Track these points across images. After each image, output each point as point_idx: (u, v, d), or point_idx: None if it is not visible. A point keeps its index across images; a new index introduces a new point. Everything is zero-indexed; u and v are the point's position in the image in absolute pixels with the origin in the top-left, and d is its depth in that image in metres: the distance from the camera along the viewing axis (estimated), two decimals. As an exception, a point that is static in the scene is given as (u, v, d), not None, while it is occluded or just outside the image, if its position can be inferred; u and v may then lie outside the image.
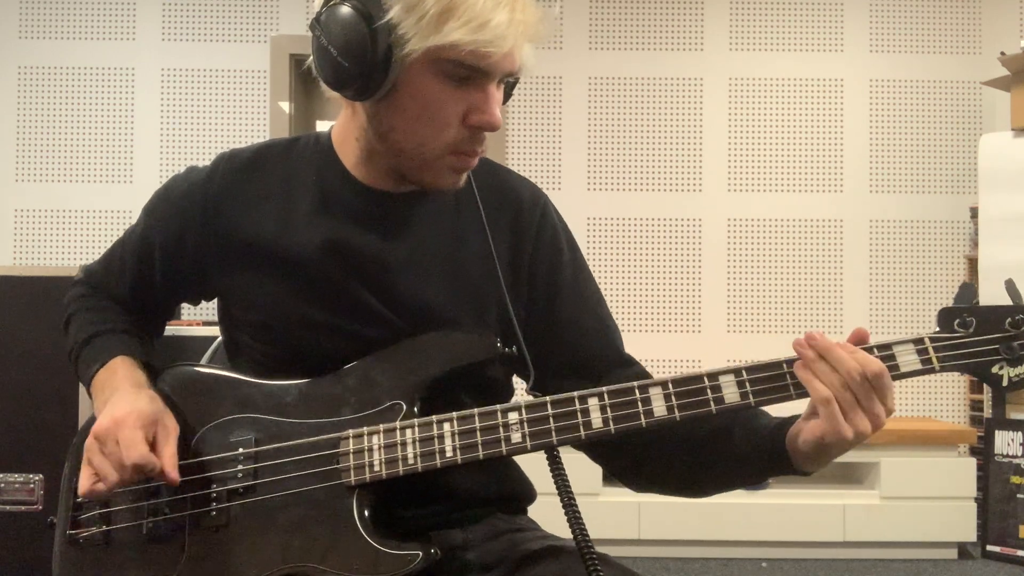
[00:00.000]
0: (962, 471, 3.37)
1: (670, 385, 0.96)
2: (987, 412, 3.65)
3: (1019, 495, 3.31)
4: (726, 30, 3.97)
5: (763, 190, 3.95)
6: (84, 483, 0.99)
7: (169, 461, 1.00)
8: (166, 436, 1.02)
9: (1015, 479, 3.32)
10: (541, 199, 1.19)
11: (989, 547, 3.35)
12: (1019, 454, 3.33)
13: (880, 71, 3.96)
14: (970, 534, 3.36)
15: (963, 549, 3.42)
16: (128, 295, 1.20)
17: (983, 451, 3.43)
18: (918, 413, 3.89)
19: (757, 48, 3.98)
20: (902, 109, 3.96)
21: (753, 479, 1.05)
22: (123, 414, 0.99)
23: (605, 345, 1.15)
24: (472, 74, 0.98)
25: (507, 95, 1.07)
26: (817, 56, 3.97)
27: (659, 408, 0.96)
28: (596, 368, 1.12)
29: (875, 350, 0.95)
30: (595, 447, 1.10)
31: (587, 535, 0.96)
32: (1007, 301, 0.97)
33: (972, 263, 3.79)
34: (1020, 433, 3.34)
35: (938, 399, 3.89)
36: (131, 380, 1.08)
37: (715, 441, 1.04)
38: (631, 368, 1.14)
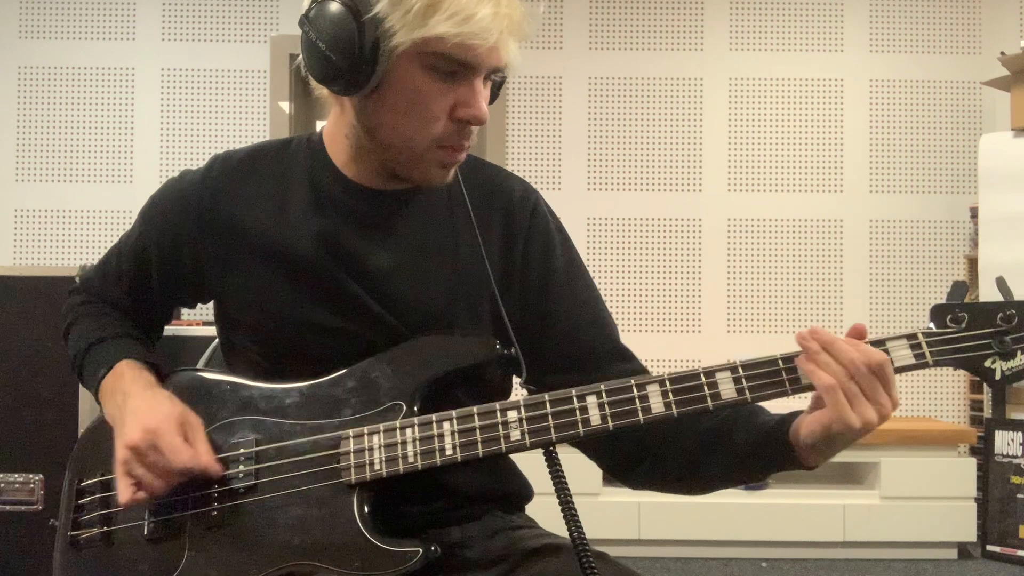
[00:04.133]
0: (962, 471, 3.37)
1: (667, 382, 0.97)
2: (987, 412, 3.65)
3: (1019, 495, 3.31)
4: (726, 30, 3.98)
5: (763, 190, 3.95)
6: (125, 493, 1.01)
7: (207, 457, 1.01)
8: (195, 432, 1.03)
9: (1015, 479, 3.33)
10: (532, 195, 1.19)
11: (989, 547, 3.36)
12: (1019, 454, 3.33)
13: (880, 71, 3.96)
14: (970, 534, 3.36)
15: (963, 549, 3.42)
16: (126, 300, 1.21)
17: (983, 451, 3.43)
18: (918, 413, 3.89)
19: (757, 48, 3.98)
20: (902, 109, 3.96)
21: (756, 475, 1.05)
22: (155, 423, 1.00)
23: (600, 337, 1.15)
24: (458, 68, 0.99)
25: (494, 94, 1.07)
26: (817, 56, 3.97)
27: (657, 405, 0.96)
28: (592, 361, 1.12)
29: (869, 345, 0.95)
30: (591, 444, 1.10)
31: (583, 533, 0.97)
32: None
33: (972, 263, 3.79)
34: (1020, 433, 3.34)
35: (938, 399, 3.90)
36: (141, 382, 1.09)
37: (716, 439, 1.04)
38: (628, 363, 1.14)
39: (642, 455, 1.09)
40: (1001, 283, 1.01)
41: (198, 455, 1.00)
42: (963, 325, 0.97)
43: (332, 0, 0.98)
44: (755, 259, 3.94)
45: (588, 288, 1.19)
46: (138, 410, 1.03)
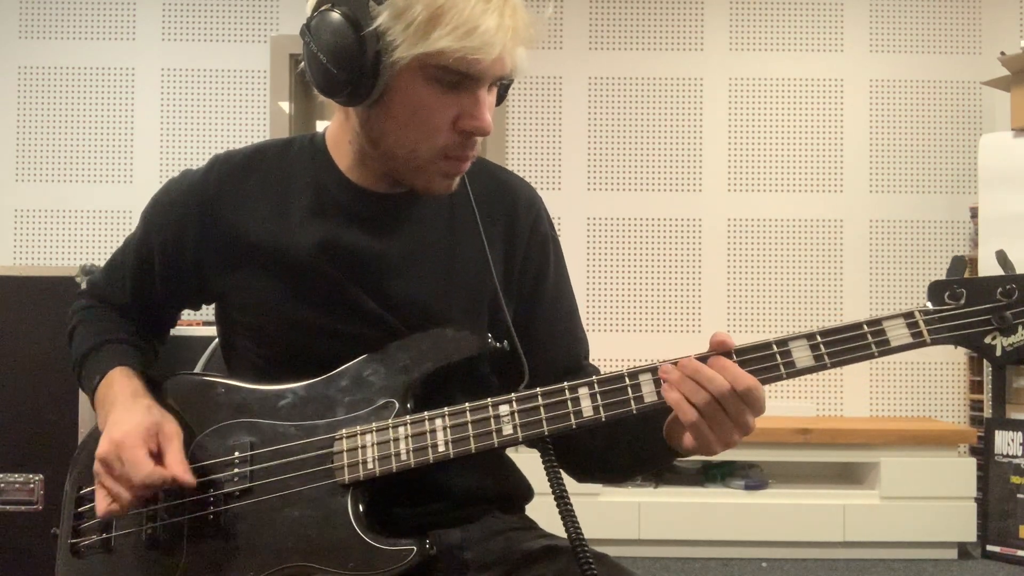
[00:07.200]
0: (962, 471, 3.36)
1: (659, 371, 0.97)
2: (987, 412, 3.65)
3: (1019, 495, 3.31)
4: (726, 30, 3.97)
5: (763, 190, 3.95)
6: (101, 505, 1.01)
7: (178, 467, 1.00)
8: (169, 442, 1.02)
9: (1015, 479, 3.32)
10: (536, 204, 1.20)
11: (989, 547, 3.35)
12: (1019, 454, 3.33)
13: (880, 71, 3.96)
14: (970, 534, 3.36)
15: (963, 549, 3.41)
16: (131, 303, 1.20)
17: (983, 451, 3.43)
18: (918, 413, 3.89)
19: (757, 48, 3.98)
20: (902, 109, 3.96)
21: (652, 467, 1.11)
22: (121, 434, 1.00)
23: (568, 356, 1.17)
24: (462, 79, 0.98)
25: (501, 96, 1.07)
26: (817, 56, 3.97)
27: (649, 394, 0.97)
28: (553, 375, 1.07)
29: (865, 326, 0.94)
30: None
31: (579, 528, 0.97)
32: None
33: (972, 263, 3.79)
34: (1020, 433, 3.34)
35: (938, 399, 3.89)
36: (127, 391, 1.08)
37: (618, 436, 1.08)
38: (582, 372, 1.15)
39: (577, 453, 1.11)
40: (1001, 256, 0.97)
41: (159, 470, 0.99)
42: (962, 301, 0.94)
43: (333, 11, 0.96)
44: (755, 259, 3.93)
45: (570, 306, 1.21)
46: (113, 422, 1.03)
